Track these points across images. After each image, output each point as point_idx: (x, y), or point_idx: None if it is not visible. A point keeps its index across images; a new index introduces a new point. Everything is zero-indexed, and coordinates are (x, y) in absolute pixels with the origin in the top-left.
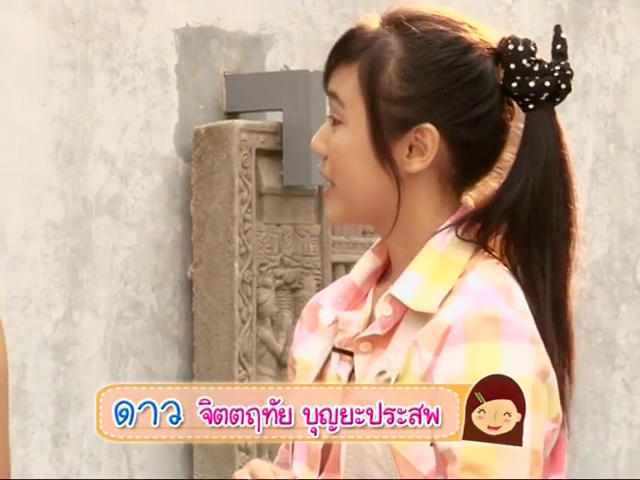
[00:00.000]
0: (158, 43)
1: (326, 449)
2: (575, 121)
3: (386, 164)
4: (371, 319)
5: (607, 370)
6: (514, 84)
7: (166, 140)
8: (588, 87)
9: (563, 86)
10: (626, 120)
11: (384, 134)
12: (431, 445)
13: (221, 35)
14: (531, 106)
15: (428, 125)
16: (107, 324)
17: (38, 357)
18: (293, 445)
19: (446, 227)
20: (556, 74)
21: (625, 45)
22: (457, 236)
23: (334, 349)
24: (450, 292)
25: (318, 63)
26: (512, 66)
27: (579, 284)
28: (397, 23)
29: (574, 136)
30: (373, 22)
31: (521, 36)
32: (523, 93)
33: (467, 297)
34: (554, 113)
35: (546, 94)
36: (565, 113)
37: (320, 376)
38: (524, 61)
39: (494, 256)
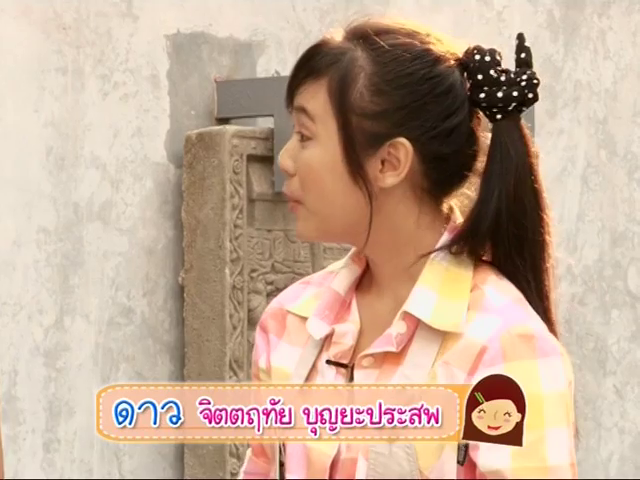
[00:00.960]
0: (149, 49)
1: (334, 464)
2: (566, 127)
3: (359, 180)
4: (362, 330)
5: (598, 376)
6: (482, 95)
7: (157, 146)
8: (579, 93)
9: (530, 95)
10: (617, 126)
11: (357, 150)
12: (459, 464)
13: (212, 41)
14: (499, 116)
15: (401, 139)
16: (98, 330)
17: (29, 363)
18: (282, 453)
19: (441, 246)
20: (523, 83)
21: (616, 51)
22: (454, 252)
23: (328, 362)
24: (468, 308)
25: None
26: (479, 77)
27: (570, 290)
28: (363, 37)
29: (565, 142)
30: (337, 37)
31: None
32: (491, 104)
33: (493, 314)
34: (520, 121)
35: (514, 104)
36: (556, 119)
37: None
38: (491, 71)
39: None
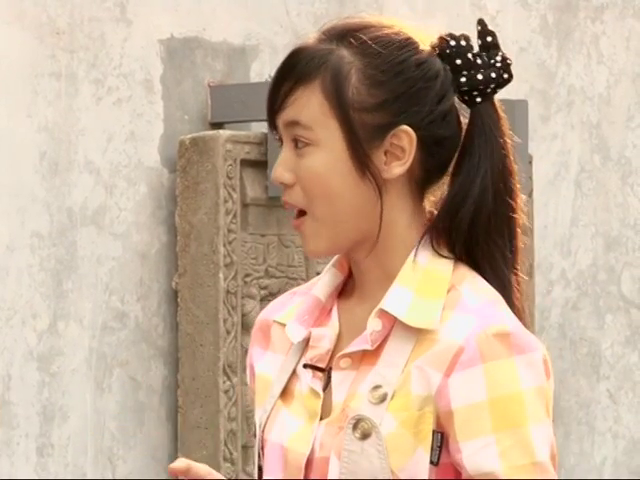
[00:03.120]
0: (143, 54)
1: (309, 464)
2: (560, 132)
3: (367, 175)
4: (340, 335)
5: (592, 380)
6: (463, 79)
7: (151, 150)
8: (572, 98)
9: (505, 76)
10: (610, 131)
11: (363, 145)
12: (432, 464)
13: (206, 46)
14: (478, 99)
15: (404, 127)
16: (92, 335)
17: (23, 368)
18: (260, 457)
19: (423, 241)
20: (498, 65)
21: (609, 56)
22: (435, 250)
23: (305, 365)
24: (444, 307)
25: None
26: (458, 61)
27: (564, 294)
28: (341, 36)
29: (559, 147)
30: (314, 40)
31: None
32: (472, 87)
33: (469, 314)
34: (495, 103)
35: (492, 85)
36: (549, 124)
37: (285, 392)
38: (469, 55)
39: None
